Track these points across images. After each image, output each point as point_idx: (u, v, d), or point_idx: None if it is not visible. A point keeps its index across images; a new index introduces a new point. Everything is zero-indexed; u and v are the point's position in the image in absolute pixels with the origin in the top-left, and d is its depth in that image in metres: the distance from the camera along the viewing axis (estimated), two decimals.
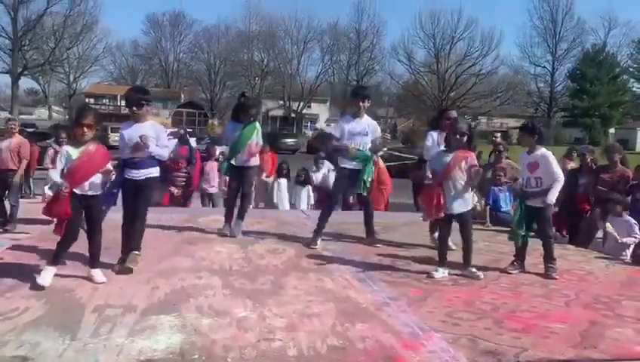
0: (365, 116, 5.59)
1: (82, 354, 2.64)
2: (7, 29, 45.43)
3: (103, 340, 2.82)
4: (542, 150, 4.80)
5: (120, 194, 4.42)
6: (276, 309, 3.46)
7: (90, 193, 3.89)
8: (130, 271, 4.17)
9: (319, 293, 3.87)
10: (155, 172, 4.44)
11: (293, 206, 8.97)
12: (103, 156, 3.98)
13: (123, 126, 4.55)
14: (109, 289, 3.75)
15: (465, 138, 4.60)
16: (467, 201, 4.63)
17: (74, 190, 3.79)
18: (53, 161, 4.72)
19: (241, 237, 5.74)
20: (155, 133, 4.40)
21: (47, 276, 3.72)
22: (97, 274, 3.95)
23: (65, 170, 3.80)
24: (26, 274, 3.90)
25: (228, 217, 5.93)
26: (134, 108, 4.37)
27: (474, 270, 4.56)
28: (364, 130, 5.49)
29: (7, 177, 6.63)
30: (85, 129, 3.84)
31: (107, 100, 59.46)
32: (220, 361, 2.64)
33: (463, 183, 4.55)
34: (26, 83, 60.51)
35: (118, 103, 58.05)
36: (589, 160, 7.74)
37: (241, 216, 5.90)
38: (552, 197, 4.66)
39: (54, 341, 2.78)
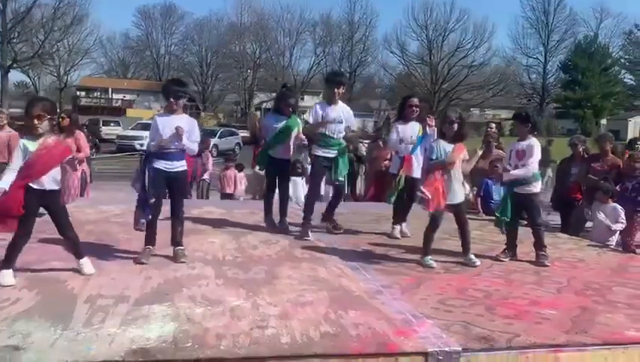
0: (340, 103, 5.51)
1: (74, 343, 2.63)
2: None
3: (96, 330, 2.80)
4: (532, 139, 4.83)
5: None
6: (269, 298, 3.46)
7: (48, 188, 3.69)
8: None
9: (312, 282, 3.88)
10: (184, 165, 4.41)
11: (290, 198, 8.97)
12: (62, 150, 3.82)
13: (158, 116, 4.53)
14: (102, 279, 3.74)
15: (455, 126, 4.61)
16: (464, 191, 4.67)
17: (30, 185, 3.62)
18: None
19: (233, 228, 5.73)
20: (189, 126, 4.36)
21: (6, 278, 3.57)
22: (85, 264, 3.86)
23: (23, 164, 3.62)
24: (18, 265, 3.87)
25: (267, 211, 5.87)
26: (172, 100, 4.32)
27: (472, 257, 4.58)
28: (338, 117, 5.42)
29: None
30: (36, 121, 3.65)
31: (98, 93, 59.05)
32: (213, 349, 2.64)
33: (460, 174, 4.58)
34: (15, 76, 60.03)
35: (110, 96, 57.74)
36: (580, 149, 7.77)
37: (284, 213, 5.83)
38: (509, 175, 4.76)
39: (46, 331, 2.76)
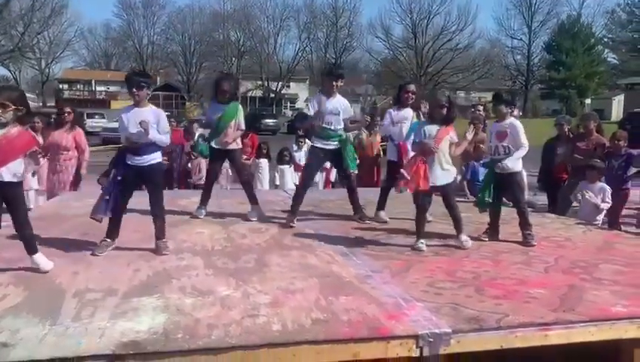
0: (338, 95, 5.54)
1: (64, 338, 2.61)
2: None
3: (85, 324, 2.78)
4: (511, 119, 4.86)
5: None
6: (260, 286, 3.45)
7: (6, 179, 3.56)
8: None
9: (303, 269, 3.88)
10: (157, 157, 4.35)
11: (277, 187, 8.96)
12: (26, 141, 3.65)
13: (123, 110, 4.44)
14: (89, 273, 3.70)
15: (444, 110, 4.61)
16: (451, 173, 4.68)
17: None
18: None
19: (221, 218, 5.70)
20: (155, 117, 4.28)
21: None
22: (38, 259, 3.71)
23: None
24: (3, 263, 3.83)
25: (204, 200, 5.83)
26: (134, 91, 4.23)
27: (462, 239, 4.61)
28: (336, 110, 5.45)
29: None
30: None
31: (81, 85, 58.30)
32: (204, 339, 2.63)
33: (447, 157, 4.59)
34: None
35: (93, 88, 57.03)
36: (566, 129, 7.84)
37: (253, 201, 5.77)
38: (510, 163, 4.76)
39: (34, 326, 2.73)
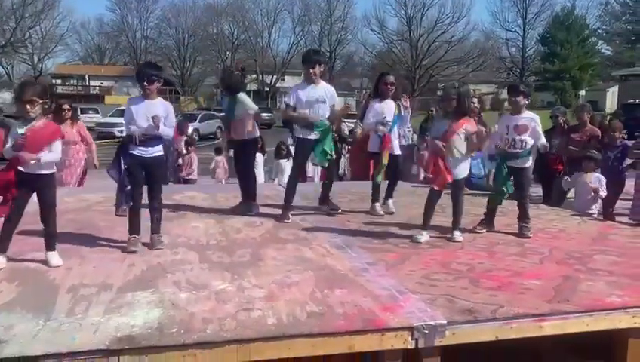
0: (322, 82, 5.38)
1: (58, 333, 2.60)
2: None
3: (79, 319, 2.77)
4: (530, 113, 4.83)
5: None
6: (255, 280, 3.45)
7: (37, 172, 3.66)
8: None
9: (298, 263, 3.88)
10: (160, 150, 4.32)
11: (273, 181, 8.95)
12: (51, 132, 3.75)
13: (131, 100, 4.39)
14: (83, 268, 3.69)
15: (453, 102, 4.56)
16: (466, 168, 4.65)
17: (20, 168, 3.61)
18: None
19: (216, 213, 5.68)
20: (165, 111, 4.26)
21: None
22: (52, 257, 3.76)
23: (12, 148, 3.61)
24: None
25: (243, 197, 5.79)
26: (145, 84, 4.19)
27: (457, 234, 4.60)
28: (321, 97, 5.28)
29: None
30: (28, 106, 3.62)
31: (75, 80, 57.92)
32: (199, 333, 2.62)
33: (462, 150, 4.54)
34: None
35: (87, 83, 56.70)
36: (561, 121, 7.85)
37: (248, 196, 5.71)
38: (543, 142, 4.81)
39: (29, 322, 2.72)
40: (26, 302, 3.02)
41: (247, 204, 5.70)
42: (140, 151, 4.20)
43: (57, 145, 3.76)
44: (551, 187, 7.48)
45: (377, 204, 5.69)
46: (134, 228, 4.25)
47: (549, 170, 7.59)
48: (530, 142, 4.74)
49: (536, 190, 8.02)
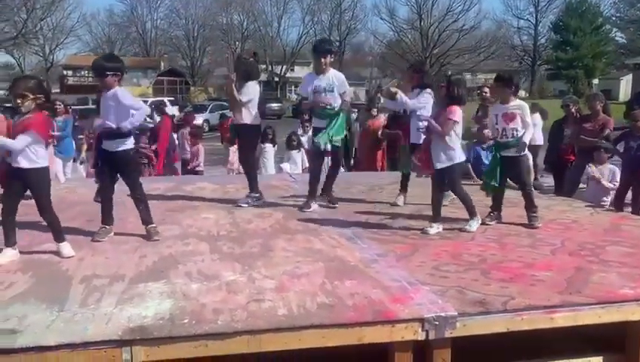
0: (331, 70, 5.39)
1: (71, 323, 2.63)
2: None
3: (92, 310, 2.80)
4: (518, 101, 4.83)
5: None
6: (265, 271, 3.46)
7: (23, 166, 3.63)
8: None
9: (308, 254, 3.88)
10: (127, 145, 4.24)
11: (281, 170, 8.94)
12: (27, 123, 3.64)
13: (97, 96, 4.44)
14: (96, 260, 3.72)
15: (442, 90, 4.59)
16: (449, 157, 4.53)
17: (7, 161, 3.60)
18: None
19: (227, 203, 5.69)
20: (115, 101, 4.13)
21: (6, 255, 3.62)
22: (63, 248, 3.78)
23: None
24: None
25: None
26: (99, 77, 4.18)
27: (471, 224, 4.57)
28: (329, 86, 5.30)
29: None
30: (19, 100, 3.60)
31: (85, 72, 58.14)
32: (210, 324, 2.64)
33: (453, 137, 4.51)
34: (0, 57, 58.84)
35: None
36: (573, 110, 7.75)
37: (250, 187, 5.68)
38: (527, 139, 4.73)
39: (42, 312, 2.75)
40: (40, 292, 3.05)
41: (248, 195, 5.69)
42: (105, 146, 4.22)
43: (25, 136, 3.61)
44: (563, 177, 7.42)
45: (401, 197, 5.71)
46: (105, 219, 4.31)
47: (561, 161, 7.53)
48: (521, 130, 4.71)
49: (548, 180, 7.97)
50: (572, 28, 52.10)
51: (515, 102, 4.78)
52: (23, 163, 3.64)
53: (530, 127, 4.79)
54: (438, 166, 4.53)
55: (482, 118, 7.72)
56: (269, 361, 2.85)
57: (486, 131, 7.28)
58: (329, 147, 5.35)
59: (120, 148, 4.22)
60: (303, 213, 5.24)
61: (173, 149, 9.33)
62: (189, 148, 9.57)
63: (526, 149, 4.84)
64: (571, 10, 53.42)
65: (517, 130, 4.71)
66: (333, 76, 5.37)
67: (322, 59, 5.28)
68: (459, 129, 4.56)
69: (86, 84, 52.23)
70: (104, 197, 4.38)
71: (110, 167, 4.29)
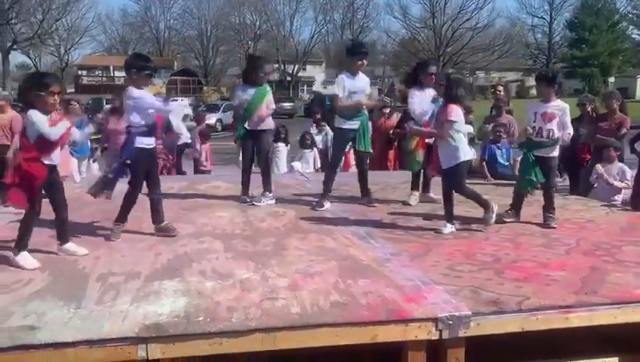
0: (361, 73, 5.51)
1: (88, 321, 2.67)
2: None
3: (108, 307, 2.84)
4: (560, 101, 4.72)
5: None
6: (279, 269, 3.48)
7: (54, 163, 3.70)
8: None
9: (321, 252, 3.89)
10: (144, 142, 4.27)
11: (296, 170, 8.95)
12: (68, 126, 3.77)
13: None
14: (112, 258, 3.77)
15: (442, 88, 4.59)
16: (454, 157, 4.49)
17: (43, 160, 3.59)
18: None
19: (241, 202, 5.72)
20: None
21: (27, 260, 3.56)
22: (71, 247, 3.83)
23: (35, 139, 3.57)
24: (29, 247, 3.90)
25: (245, 184, 5.81)
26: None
27: (487, 217, 4.57)
28: (362, 88, 5.43)
29: (2, 153, 6.61)
30: (57, 97, 3.64)
31: (100, 72, 58.71)
32: (224, 322, 2.66)
33: (456, 135, 4.48)
34: (16, 57, 59.61)
35: (111, 74, 57.42)
36: (589, 109, 7.67)
37: (266, 188, 5.72)
38: (567, 139, 4.71)
39: (60, 310, 2.80)
40: (58, 290, 3.10)
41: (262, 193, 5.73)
42: (142, 144, 4.27)
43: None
44: (578, 177, 7.34)
45: (415, 196, 5.72)
46: (122, 217, 4.33)
47: (576, 160, 7.45)
48: (557, 132, 4.64)
49: (562, 179, 7.89)
50: (587, 25, 51.50)
51: (556, 103, 4.70)
52: (58, 161, 3.73)
53: (570, 129, 4.71)
54: (444, 166, 4.52)
55: (495, 118, 7.68)
56: (260, 361, 2.87)
57: (487, 127, 7.25)
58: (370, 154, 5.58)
59: (152, 146, 4.33)
60: (316, 212, 5.26)
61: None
62: (199, 147, 9.62)
63: (557, 151, 4.78)
64: (587, 7, 52.80)
65: (553, 132, 4.63)
66: (365, 79, 5.53)
67: (359, 62, 5.40)
68: (462, 127, 4.54)
69: (100, 84, 52.78)
70: (132, 197, 4.34)
71: (146, 164, 4.33)
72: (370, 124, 5.73)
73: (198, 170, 9.43)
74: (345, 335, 2.70)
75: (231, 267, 3.54)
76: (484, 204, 4.58)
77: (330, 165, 5.87)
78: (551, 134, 4.65)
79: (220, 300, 2.94)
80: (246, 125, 5.62)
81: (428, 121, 5.37)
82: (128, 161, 4.26)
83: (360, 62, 5.41)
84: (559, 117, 4.65)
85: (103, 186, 4.29)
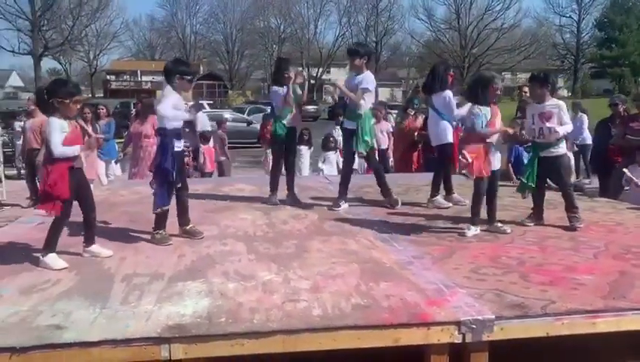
0: (366, 73, 5.52)
1: (113, 320, 2.71)
2: (26, 10, 45.87)
3: (132, 307, 2.88)
4: (555, 100, 4.73)
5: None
6: (301, 271, 3.48)
7: (79, 166, 3.79)
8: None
9: (343, 255, 3.89)
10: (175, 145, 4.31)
11: (321, 172, 8.97)
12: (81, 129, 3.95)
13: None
14: (137, 258, 3.83)
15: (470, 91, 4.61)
16: (499, 158, 4.61)
17: (66, 165, 3.66)
18: None
19: (264, 204, 5.75)
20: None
21: (56, 261, 3.64)
22: (96, 249, 3.89)
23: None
24: (57, 248, 3.99)
25: (276, 186, 5.83)
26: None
27: (500, 225, 4.51)
28: (352, 87, 5.45)
29: (33, 156, 6.78)
30: (79, 105, 3.85)
31: (128, 76, 59.84)
32: (246, 323, 2.68)
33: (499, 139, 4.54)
34: (48, 63, 61.15)
35: (139, 78, 58.49)
36: (621, 110, 7.51)
37: (290, 187, 5.81)
38: (561, 132, 4.62)
39: (86, 309, 2.85)
40: (84, 290, 3.16)
41: (290, 195, 5.78)
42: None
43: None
44: (608, 178, 7.17)
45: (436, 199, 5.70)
46: (163, 225, 4.31)
47: (607, 161, 7.28)
48: (558, 128, 4.60)
49: (592, 181, 7.72)
50: (617, 24, 50.39)
51: (551, 101, 4.69)
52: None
53: (568, 125, 4.71)
54: (495, 167, 4.53)
55: (521, 119, 7.55)
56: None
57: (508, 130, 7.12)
58: (364, 153, 5.53)
59: (181, 149, 4.40)
60: (338, 214, 5.25)
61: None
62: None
63: (564, 149, 4.73)
64: (617, 6, 51.69)
65: (554, 129, 4.60)
66: (364, 78, 5.50)
67: (350, 62, 5.52)
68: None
69: (128, 88, 53.74)
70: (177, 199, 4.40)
71: (180, 167, 4.39)
72: (373, 123, 5.74)
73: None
74: (366, 337, 2.69)
75: (253, 269, 3.56)
76: (475, 214, 4.52)
77: (344, 165, 5.95)
78: (552, 131, 4.60)
79: (242, 301, 2.95)
80: (285, 122, 5.68)
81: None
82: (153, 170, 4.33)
83: (351, 63, 5.51)
84: (556, 114, 4.62)
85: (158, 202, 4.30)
